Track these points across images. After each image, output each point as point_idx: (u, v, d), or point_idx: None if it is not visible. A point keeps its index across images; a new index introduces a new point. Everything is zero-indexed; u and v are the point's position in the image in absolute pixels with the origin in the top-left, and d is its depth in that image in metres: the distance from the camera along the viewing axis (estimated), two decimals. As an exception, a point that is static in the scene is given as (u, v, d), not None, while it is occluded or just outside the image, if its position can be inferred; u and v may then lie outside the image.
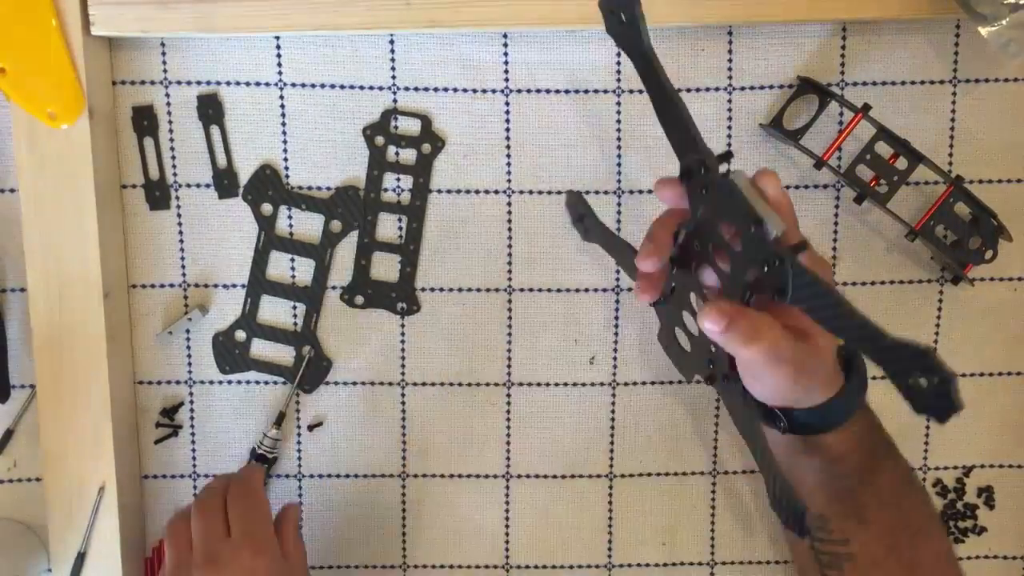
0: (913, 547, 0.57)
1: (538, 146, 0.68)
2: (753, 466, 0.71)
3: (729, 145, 0.67)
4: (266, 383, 0.70)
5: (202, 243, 0.68)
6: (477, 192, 0.68)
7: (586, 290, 0.69)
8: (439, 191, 0.68)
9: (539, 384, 0.70)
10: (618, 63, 0.66)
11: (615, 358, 0.70)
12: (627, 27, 0.50)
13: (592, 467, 0.71)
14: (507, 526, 0.71)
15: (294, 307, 0.69)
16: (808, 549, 0.59)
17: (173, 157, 0.68)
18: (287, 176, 0.68)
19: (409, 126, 0.67)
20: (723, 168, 0.49)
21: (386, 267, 0.69)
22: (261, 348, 0.69)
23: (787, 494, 0.50)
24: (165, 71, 0.67)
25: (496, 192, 0.68)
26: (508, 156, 0.68)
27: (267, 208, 0.68)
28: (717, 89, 0.67)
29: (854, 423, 0.56)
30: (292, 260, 0.69)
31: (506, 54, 0.67)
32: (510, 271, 0.69)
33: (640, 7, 0.49)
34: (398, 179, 0.68)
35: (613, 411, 0.70)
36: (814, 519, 0.57)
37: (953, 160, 0.68)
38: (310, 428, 0.70)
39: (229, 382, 0.70)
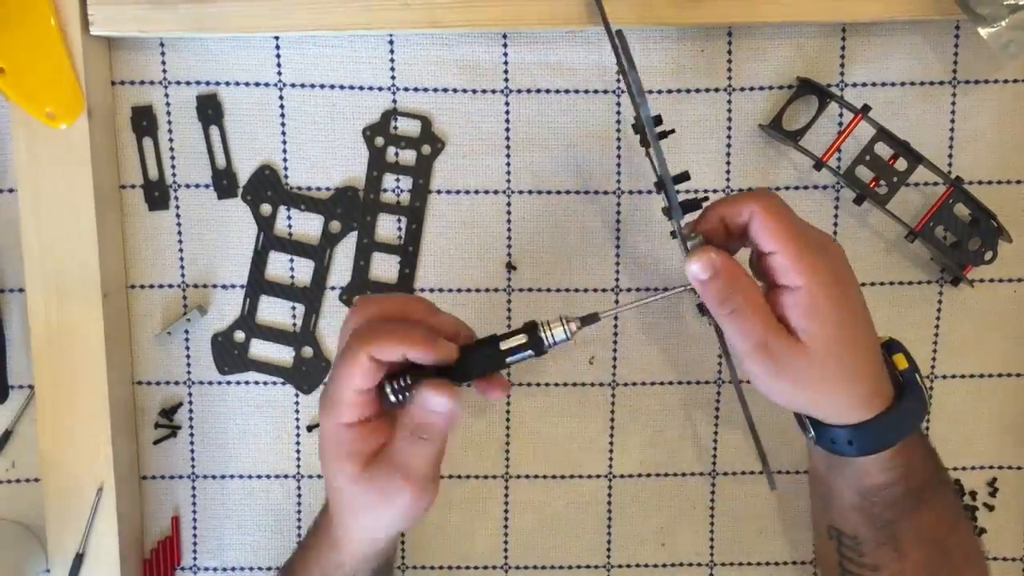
0: None
1: (538, 146, 0.67)
2: (754, 467, 0.71)
3: (729, 145, 0.67)
4: (265, 383, 0.70)
5: (201, 243, 0.68)
6: (477, 192, 0.68)
7: (586, 290, 0.69)
8: (439, 192, 0.68)
9: (539, 384, 0.70)
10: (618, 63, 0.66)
11: (615, 358, 0.70)
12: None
13: (592, 467, 0.71)
14: (507, 526, 0.71)
15: (293, 307, 0.69)
16: (835, 558, 0.56)
17: (172, 157, 0.67)
18: (286, 176, 0.68)
19: (409, 127, 0.67)
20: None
21: (385, 268, 0.69)
22: (260, 348, 0.69)
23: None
24: (164, 71, 0.66)
25: (496, 192, 0.68)
26: (508, 156, 0.68)
27: (266, 208, 0.68)
28: (717, 89, 0.67)
29: (899, 453, 0.52)
30: (291, 260, 0.69)
31: (506, 54, 0.66)
32: (510, 271, 0.69)
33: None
34: (397, 180, 0.68)
35: (613, 411, 0.70)
36: (847, 539, 0.55)
37: (953, 161, 0.68)
38: (309, 428, 0.70)
39: (228, 383, 0.70)
